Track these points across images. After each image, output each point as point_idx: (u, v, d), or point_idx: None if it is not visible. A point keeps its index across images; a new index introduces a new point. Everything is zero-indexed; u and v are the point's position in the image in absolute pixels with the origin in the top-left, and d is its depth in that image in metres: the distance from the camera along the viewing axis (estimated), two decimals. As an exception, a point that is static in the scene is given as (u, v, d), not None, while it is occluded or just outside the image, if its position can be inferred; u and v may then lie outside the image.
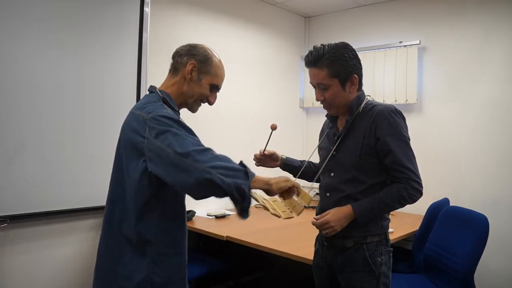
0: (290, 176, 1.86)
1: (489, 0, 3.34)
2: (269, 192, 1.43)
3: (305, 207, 1.68)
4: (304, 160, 2.02)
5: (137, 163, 1.39)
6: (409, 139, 1.66)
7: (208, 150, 1.31)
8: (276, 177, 1.46)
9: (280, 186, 1.43)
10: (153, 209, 1.43)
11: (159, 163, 1.31)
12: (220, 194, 1.30)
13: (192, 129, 1.41)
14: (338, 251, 1.72)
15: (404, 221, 3.14)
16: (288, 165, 1.97)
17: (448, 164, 3.51)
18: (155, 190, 1.39)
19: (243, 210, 1.35)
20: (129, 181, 1.43)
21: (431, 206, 3.01)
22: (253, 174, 1.35)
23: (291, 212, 1.66)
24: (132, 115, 1.47)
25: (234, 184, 1.27)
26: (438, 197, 3.13)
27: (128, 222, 1.44)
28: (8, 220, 2.32)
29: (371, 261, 1.66)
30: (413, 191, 1.61)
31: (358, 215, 1.63)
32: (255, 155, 1.95)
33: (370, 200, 1.64)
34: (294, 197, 1.71)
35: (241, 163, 1.34)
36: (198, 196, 1.32)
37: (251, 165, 1.51)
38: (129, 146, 1.43)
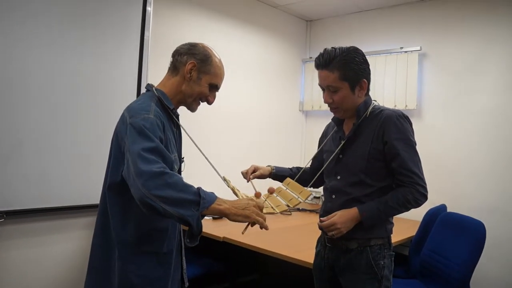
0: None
1: (490, 8, 3.35)
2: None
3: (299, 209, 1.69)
4: (294, 167, 2.04)
5: (120, 167, 1.40)
6: (415, 144, 1.69)
7: (162, 175, 1.26)
8: (242, 203, 1.39)
9: (237, 220, 1.37)
10: (130, 210, 1.44)
11: (126, 171, 1.32)
12: (163, 217, 1.31)
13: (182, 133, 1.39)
14: (341, 253, 1.73)
15: (401, 226, 3.13)
16: (278, 175, 1.98)
17: (446, 170, 3.51)
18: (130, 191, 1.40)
19: (191, 236, 1.34)
20: (111, 181, 1.45)
21: (428, 212, 3.02)
22: (209, 203, 1.30)
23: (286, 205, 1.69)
24: (121, 116, 1.48)
25: (177, 214, 1.25)
26: (436, 203, 3.13)
27: (111, 219, 1.47)
28: (5, 216, 2.31)
29: (374, 264, 1.67)
30: (419, 195, 1.63)
31: (364, 218, 1.64)
32: (242, 173, 1.96)
33: (376, 203, 1.65)
34: (291, 193, 1.73)
35: (197, 191, 1.30)
36: (145, 211, 1.29)
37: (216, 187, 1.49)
38: (117, 148, 1.44)
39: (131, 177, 1.28)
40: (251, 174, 1.90)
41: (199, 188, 1.32)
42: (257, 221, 1.39)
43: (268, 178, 1.99)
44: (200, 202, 1.28)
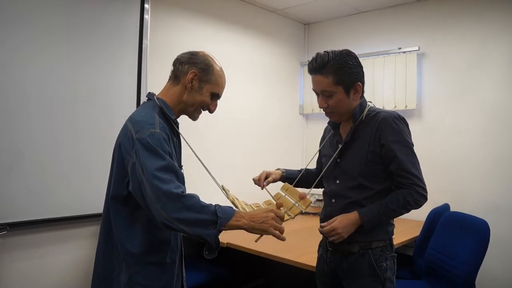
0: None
1: (487, 7, 3.36)
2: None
3: (302, 213, 1.68)
4: (302, 169, 2.03)
5: (124, 180, 1.41)
6: (413, 145, 1.68)
7: (181, 198, 1.30)
8: (261, 216, 1.40)
9: (255, 233, 1.41)
10: (134, 221, 1.45)
11: (137, 189, 1.35)
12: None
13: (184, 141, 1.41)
14: (343, 256, 1.73)
15: (404, 227, 3.13)
16: (289, 178, 1.98)
17: (448, 169, 3.50)
18: (136, 205, 1.40)
19: (209, 250, 1.38)
20: (115, 193, 1.46)
21: (431, 211, 3.01)
22: (226, 220, 1.34)
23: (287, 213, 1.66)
24: (124, 127, 1.47)
25: (195, 234, 1.32)
26: (439, 202, 3.13)
27: (115, 231, 1.47)
28: (7, 228, 2.31)
29: (377, 266, 1.66)
30: (418, 196, 1.62)
31: (364, 221, 1.64)
32: (254, 180, 1.93)
33: (376, 206, 1.65)
34: (291, 200, 1.72)
35: (214, 210, 1.33)
36: (164, 229, 1.35)
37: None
38: (120, 160, 1.44)
39: (148, 198, 1.31)
40: (264, 180, 1.88)
41: (216, 207, 1.35)
42: (273, 234, 1.41)
43: (279, 182, 1.98)
44: (218, 221, 1.32)
